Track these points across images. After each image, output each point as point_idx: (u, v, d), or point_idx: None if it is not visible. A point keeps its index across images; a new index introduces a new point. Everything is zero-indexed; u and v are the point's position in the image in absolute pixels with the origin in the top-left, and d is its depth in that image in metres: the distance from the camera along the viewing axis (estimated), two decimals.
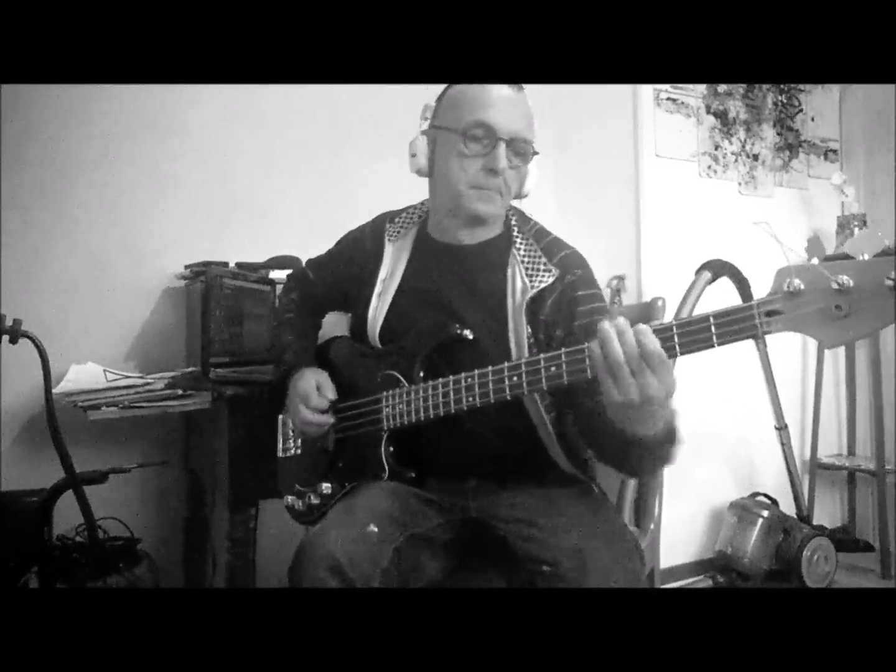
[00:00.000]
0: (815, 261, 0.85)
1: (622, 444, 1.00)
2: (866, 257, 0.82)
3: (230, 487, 1.54)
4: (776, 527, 2.60)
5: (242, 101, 2.03)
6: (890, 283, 0.78)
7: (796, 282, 0.83)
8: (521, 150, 1.21)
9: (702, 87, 2.81)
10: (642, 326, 0.91)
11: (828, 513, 3.06)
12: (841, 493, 3.12)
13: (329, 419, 1.28)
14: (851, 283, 0.80)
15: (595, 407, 1.05)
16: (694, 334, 0.89)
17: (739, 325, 0.86)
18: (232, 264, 1.79)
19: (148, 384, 1.61)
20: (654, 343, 0.90)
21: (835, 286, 0.81)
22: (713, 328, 0.87)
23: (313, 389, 1.28)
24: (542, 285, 1.20)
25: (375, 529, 1.08)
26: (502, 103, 1.20)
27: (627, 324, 0.92)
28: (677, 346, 0.90)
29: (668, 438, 0.99)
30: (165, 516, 1.95)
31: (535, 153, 1.25)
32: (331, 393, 1.29)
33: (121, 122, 1.91)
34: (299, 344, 1.40)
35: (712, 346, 0.88)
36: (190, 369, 1.74)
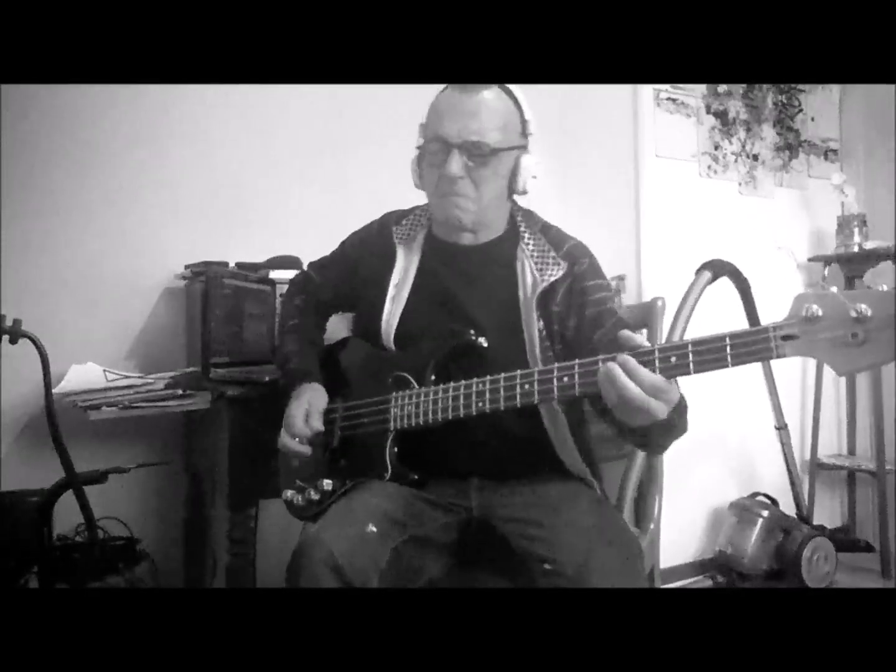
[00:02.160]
0: (833, 289, 0.85)
1: (638, 432, 1.02)
2: (885, 288, 0.81)
3: (230, 487, 1.54)
4: (776, 527, 2.60)
5: (243, 101, 2.03)
6: None
7: (814, 308, 0.84)
8: (476, 151, 1.21)
9: (702, 87, 2.81)
10: (632, 365, 0.92)
11: (828, 513, 3.06)
12: (841, 493, 3.12)
13: (306, 450, 1.27)
14: (869, 313, 0.81)
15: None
16: (709, 354, 0.90)
17: (755, 346, 0.87)
18: (232, 264, 1.79)
19: (148, 384, 1.60)
20: (649, 377, 0.91)
21: (853, 314, 0.81)
22: (728, 349, 0.88)
23: (301, 416, 1.27)
24: (553, 278, 1.22)
25: (374, 530, 1.09)
26: (453, 112, 1.21)
27: (633, 362, 0.92)
28: (692, 365, 0.91)
29: (678, 408, 0.99)
30: (165, 516, 1.94)
31: (501, 151, 1.21)
32: (318, 423, 1.27)
33: (121, 122, 1.91)
34: (303, 351, 1.39)
35: (726, 366, 0.89)
36: (190, 369, 1.73)
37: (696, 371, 0.91)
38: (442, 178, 1.22)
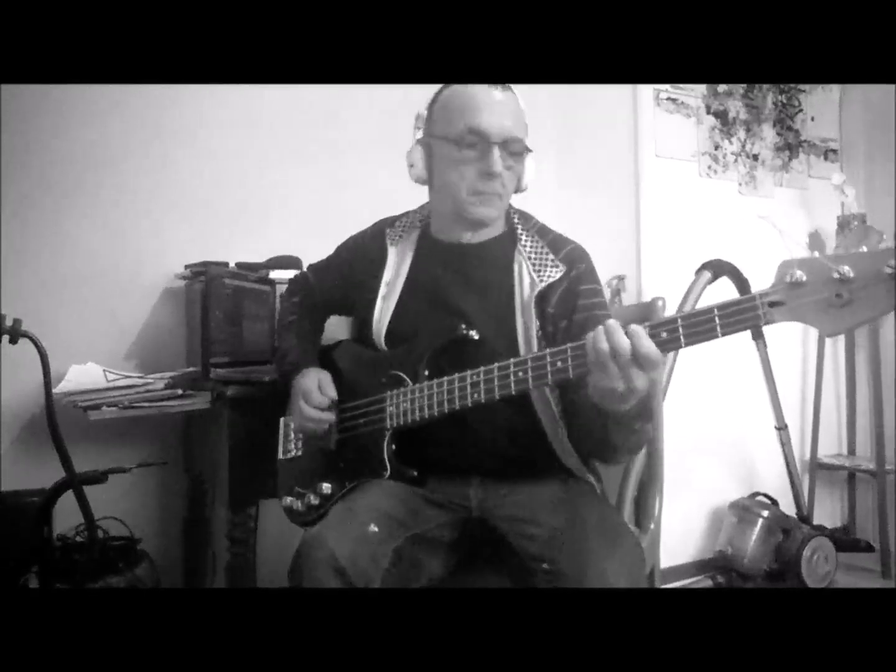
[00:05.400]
0: (816, 254, 0.87)
1: (599, 421, 1.04)
2: (865, 249, 0.83)
3: (230, 487, 1.54)
4: (776, 527, 2.60)
5: (243, 101, 2.03)
6: (889, 270, 0.80)
7: (798, 273, 0.85)
8: (515, 149, 1.23)
9: (702, 87, 2.80)
10: (636, 328, 0.93)
11: (828, 513, 3.05)
12: (841, 493, 3.12)
13: (330, 416, 1.29)
14: (852, 273, 0.82)
15: (581, 397, 1.07)
16: (699, 325, 0.91)
17: (743, 315, 0.88)
18: (232, 264, 1.79)
19: (148, 384, 1.60)
20: (647, 346, 0.92)
21: (836, 276, 0.83)
22: (717, 319, 0.89)
23: (315, 387, 1.29)
24: (551, 280, 1.22)
25: (376, 529, 1.08)
26: (491, 106, 1.20)
27: (617, 324, 0.94)
28: (682, 338, 0.92)
29: (643, 413, 1.02)
30: (165, 516, 1.94)
31: (529, 150, 1.26)
32: (332, 391, 1.29)
33: (121, 122, 1.91)
34: (302, 346, 1.40)
35: (717, 336, 0.90)
36: (190, 369, 1.74)
37: (688, 343, 0.92)
38: (480, 174, 1.21)
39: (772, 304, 0.87)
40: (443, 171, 1.25)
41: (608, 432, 1.07)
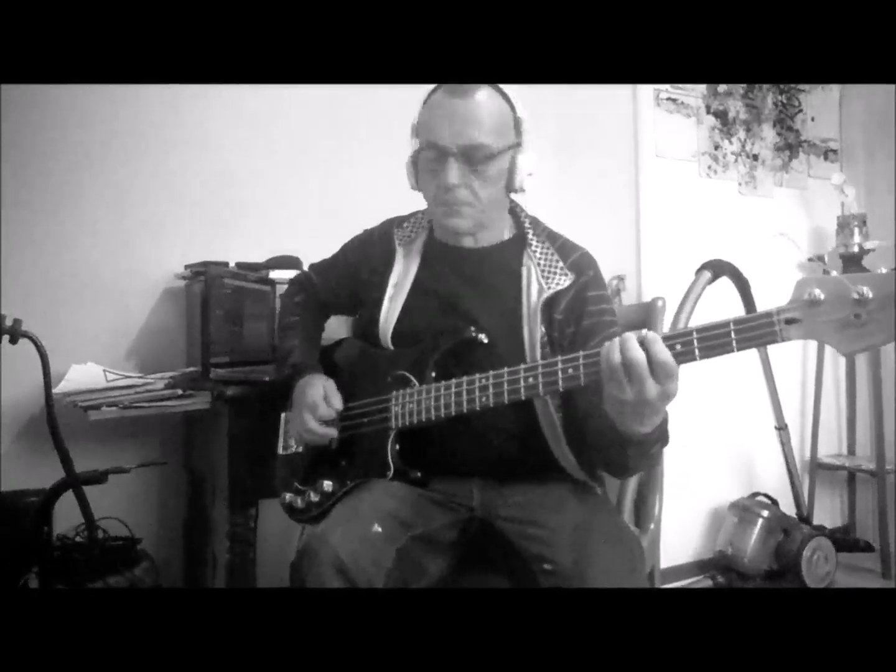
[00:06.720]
0: (834, 273, 0.87)
1: (616, 441, 1.03)
2: (884, 270, 0.83)
3: (230, 487, 1.54)
4: (776, 527, 2.61)
5: (243, 100, 2.03)
6: None
7: (817, 291, 0.85)
8: (475, 156, 1.18)
9: (702, 87, 2.81)
10: (652, 335, 0.93)
11: (828, 513, 3.06)
12: (841, 493, 3.12)
13: (333, 432, 1.28)
14: (871, 295, 0.82)
15: (592, 406, 1.07)
16: (714, 339, 0.91)
17: (759, 331, 0.88)
18: (232, 264, 1.79)
19: (148, 384, 1.60)
20: (663, 353, 0.92)
21: (854, 296, 0.83)
22: (733, 334, 0.90)
23: (321, 399, 1.27)
24: (559, 287, 1.22)
25: (379, 529, 1.08)
26: (447, 118, 1.18)
27: (632, 336, 0.93)
28: (697, 351, 0.92)
29: (660, 438, 1.03)
30: (165, 516, 1.94)
31: (509, 147, 1.21)
32: (338, 403, 1.28)
33: (121, 121, 1.91)
34: (305, 346, 1.40)
35: (731, 350, 0.90)
36: (190, 369, 1.74)
37: (703, 357, 0.92)
38: (440, 187, 1.20)
39: (788, 321, 0.87)
40: (421, 182, 1.26)
41: (627, 456, 1.06)
